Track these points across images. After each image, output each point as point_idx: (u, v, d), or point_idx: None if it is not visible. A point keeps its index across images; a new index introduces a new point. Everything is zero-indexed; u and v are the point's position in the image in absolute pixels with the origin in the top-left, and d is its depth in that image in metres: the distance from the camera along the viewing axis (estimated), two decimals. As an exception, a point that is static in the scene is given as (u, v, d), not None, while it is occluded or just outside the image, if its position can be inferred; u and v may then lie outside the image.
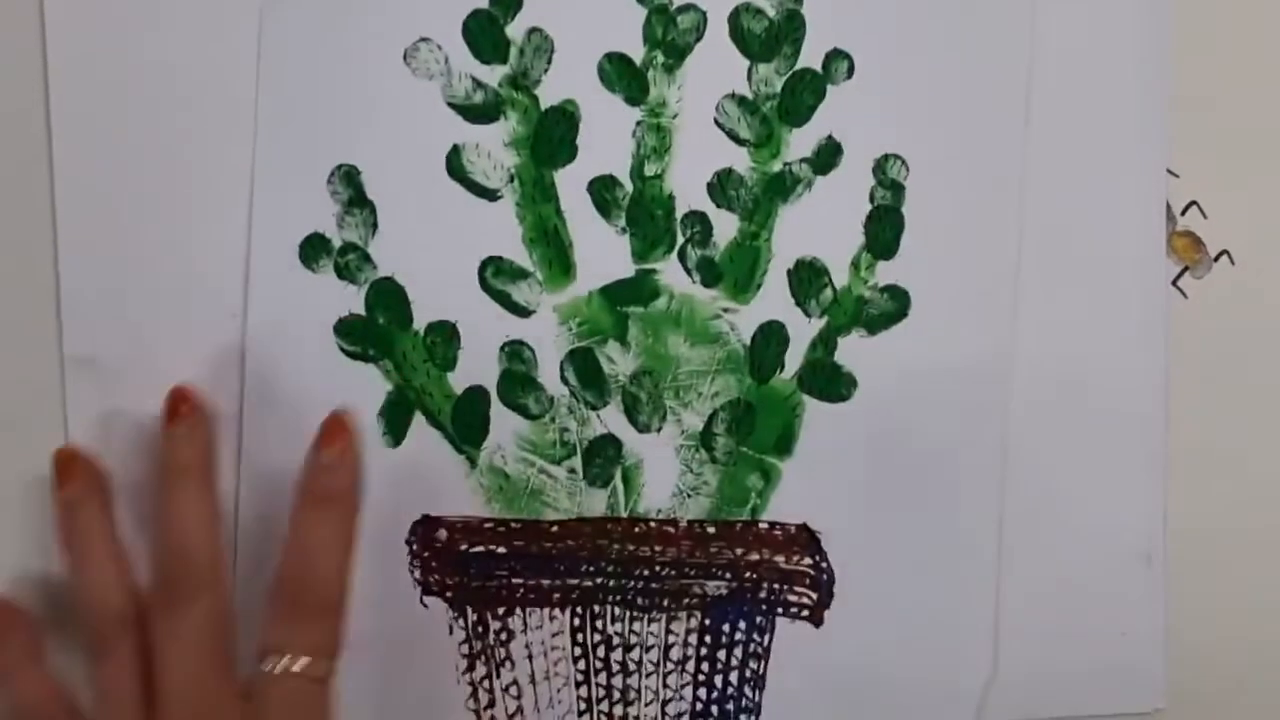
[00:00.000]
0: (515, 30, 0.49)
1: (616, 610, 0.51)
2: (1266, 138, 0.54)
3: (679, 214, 0.50)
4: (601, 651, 0.51)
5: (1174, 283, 0.54)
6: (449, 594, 0.50)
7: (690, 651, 0.51)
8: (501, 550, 0.50)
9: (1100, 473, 0.52)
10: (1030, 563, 0.52)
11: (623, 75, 0.50)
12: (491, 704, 0.50)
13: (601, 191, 0.50)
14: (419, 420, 0.49)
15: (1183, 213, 0.54)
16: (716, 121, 0.50)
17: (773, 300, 0.51)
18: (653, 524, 0.51)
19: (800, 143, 0.51)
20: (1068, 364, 0.52)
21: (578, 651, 0.50)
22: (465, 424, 0.50)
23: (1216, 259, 0.54)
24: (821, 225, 0.51)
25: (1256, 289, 0.54)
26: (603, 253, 0.50)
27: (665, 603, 0.51)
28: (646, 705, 0.51)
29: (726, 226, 0.50)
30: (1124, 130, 0.52)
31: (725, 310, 0.51)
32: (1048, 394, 0.52)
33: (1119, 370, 0.52)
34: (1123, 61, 0.52)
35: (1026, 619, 0.52)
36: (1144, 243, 0.53)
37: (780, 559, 0.51)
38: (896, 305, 0.51)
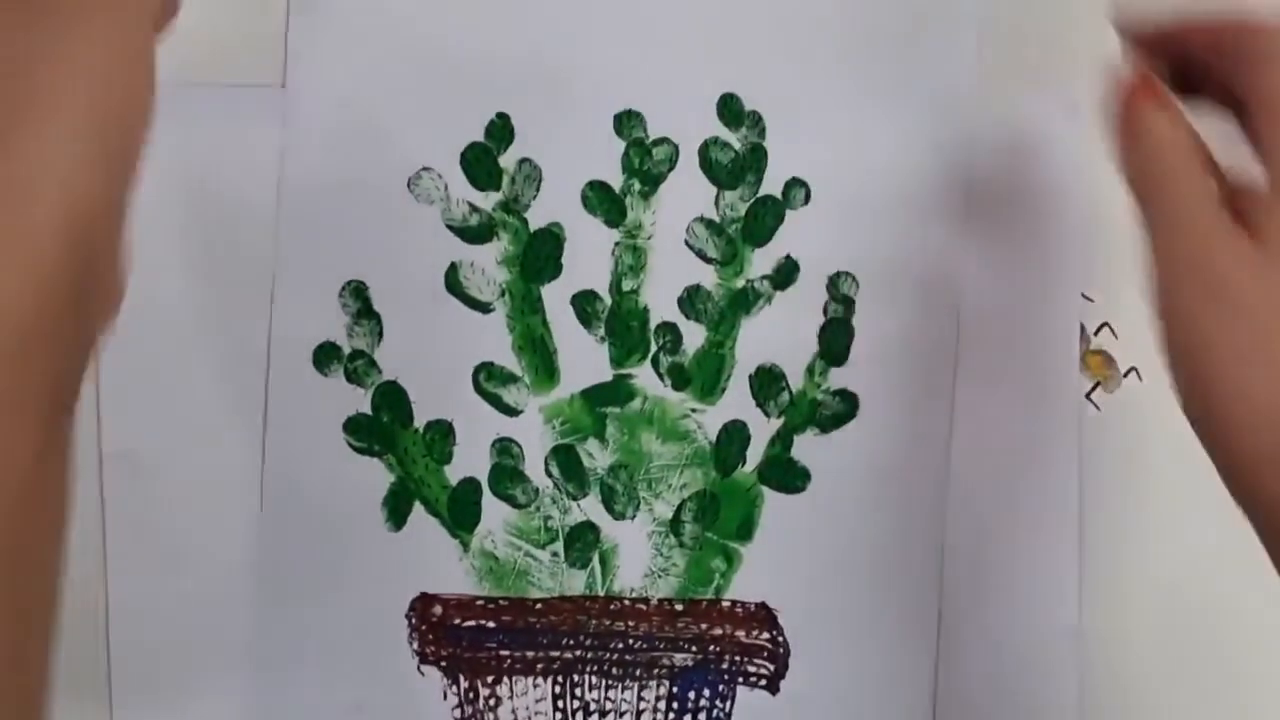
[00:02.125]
0: (507, 160, 0.55)
1: (594, 679, 0.56)
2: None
3: (653, 325, 0.56)
4: (580, 716, 0.56)
5: (1087, 396, 0.59)
6: (444, 663, 0.55)
7: (660, 717, 0.56)
8: (491, 624, 0.55)
9: (1026, 557, 0.57)
10: (967, 639, 0.57)
11: (603, 201, 0.55)
12: (480, 763, 0.56)
13: (584, 305, 0.55)
14: (418, 508, 0.55)
15: (1096, 333, 0.59)
16: (687, 242, 0.56)
17: (736, 402, 0.56)
18: (627, 602, 0.56)
19: (761, 261, 0.56)
20: (996, 465, 0.57)
21: (559, 716, 0.56)
22: (459, 512, 0.55)
23: (1126, 375, 0.59)
24: (780, 335, 0.56)
25: (1160, 402, 0.59)
26: (584, 359, 0.55)
27: (638, 672, 0.56)
28: (620, 764, 0.56)
29: (695, 336, 0.56)
30: (1045, 259, 0.57)
31: (693, 411, 0.56)
32: (980, 489, 0.57)
33: (1040, 472, 0.58)
34: (1048, 198, 0.57)
35: (963, 689, 0.57)
36: (1061, 359, 0.58)
37: (741, 634, 0.56)
38: (846, 407, 0.57)
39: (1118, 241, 0.58)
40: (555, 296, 0.55)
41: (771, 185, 0.56)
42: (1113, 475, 0.58)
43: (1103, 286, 0.58)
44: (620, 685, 0.56)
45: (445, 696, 0.55)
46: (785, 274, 0.56)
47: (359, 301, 0.54)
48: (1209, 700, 0.59)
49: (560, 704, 0.56)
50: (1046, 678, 0.58)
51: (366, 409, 0.54)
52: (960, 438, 0.57)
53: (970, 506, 0.57)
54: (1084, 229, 0.58)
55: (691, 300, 0.56)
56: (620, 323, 0.55)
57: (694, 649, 0.56)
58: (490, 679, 0.55)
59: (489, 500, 0.55)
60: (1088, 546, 0.58)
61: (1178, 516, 0.59)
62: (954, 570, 0.57)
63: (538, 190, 0.55)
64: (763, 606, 0.56)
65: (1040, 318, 0.57)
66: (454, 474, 0.55)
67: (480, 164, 0.55)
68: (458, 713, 0.55)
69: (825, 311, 0.56)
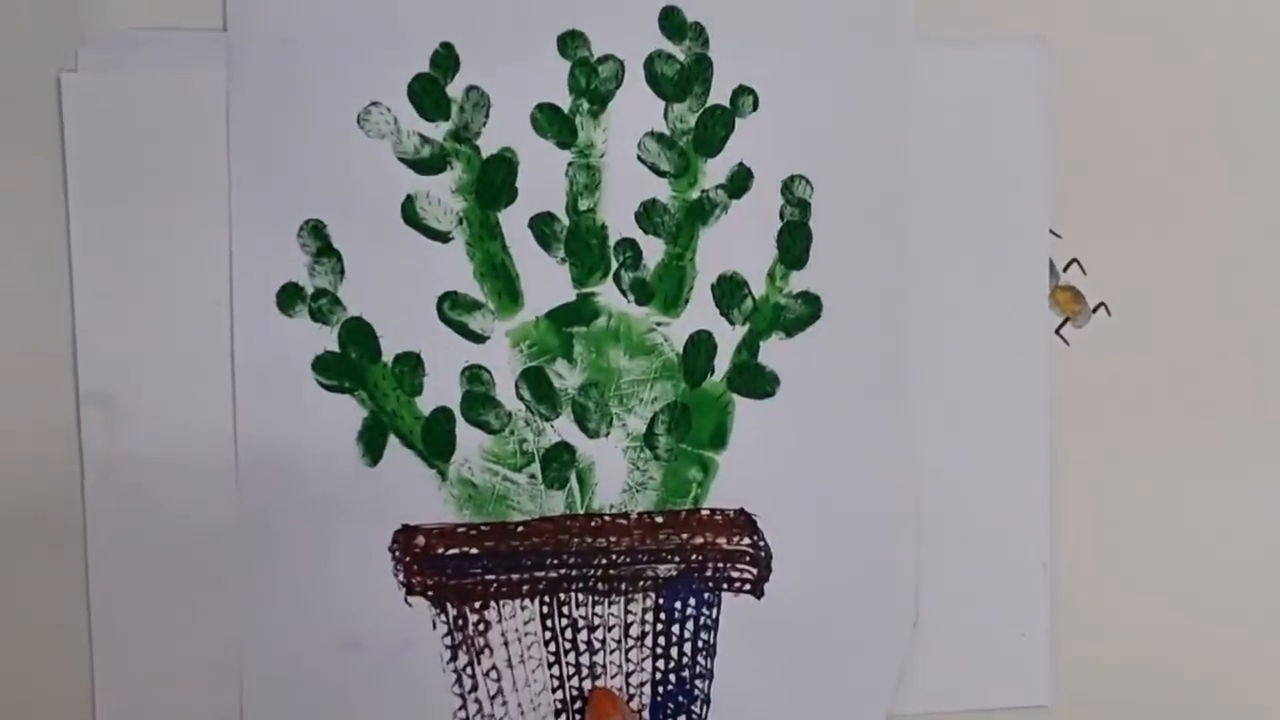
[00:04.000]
0: (455, 89, 0.55)
1: (580, 596, 0.57)
2: (1140, 201, 0.60)
3: (611, 242, 0.56)
4: (569, 634, 0.57)
5: (1057, 331, 0.59)
6: (430, 593, 0.56)
7: (648, 628, 0.57)
8: (474, 551, 0.56)
9: (998, 491, 0.59)
10: (940, 569, 0.58)
11: (553, 123, 0.56)
12: (475, 688, 0.56)
13: (541, 227, 0.56)
14: (393, 441, 0.55)
15: (1065, 269, 0.59)
16: (639, 158, 0.56)
17: (700, 312, 0.57)
18: (607, 518, 0.57)
19: (715, 171, 0.57)
20: (962, 401, 0.58)
21: (548, 635, 0.57)
22: (434, 442, 0.55)
23: (1095, 310, 0.59)
24: (739, 243, 0.57)
25: (1129, 337, 0.60)
26: (546, 281, 0.56)
27: (623, 586, 0.57)
28: (612, 678, 0.57)
29: (654, 250, 0.56)
30: (1010, 194, 0.58)
31: (658, 324, 0.57)
32: (948, 417, 0.58)
33: (1009, 408, 0.58)
34: (1007, 131, 0.58)
35: (935, 620, 0.58)
36: (1030, 296, 0.59)
37: (722, 541, 0.57)
38: (810, 309, 0.57)
39: (1086, 177, 0.58)
40: (513, 221, 0.56)
41: (719, 95, 0.57)
42: (1082, 410, 0.59)
43: (1071, 222, 0.59)
44: (607, 600, 0.57)
45: (434, 625, 0.56)
46: (739, 182, 0.57)
47: (318, 240, 0.55)
48: (1179, 630, 0.61)
49: (549, 623, 0.56)
50: (1019, 608, 0.59)
51: (334, 346, 0.55)
52: (927, 373, 0.58)
53: (940, 432, 0.58)
54: (1049, 162, 0.58)
55: (648, 214, 0.56)
56: (579, 242, 0.56)
57: (677, 559, 0.57)
58: (478, 604, 0.56)
59: (463, 428, 0.56)
60: (1058, 483, 0.59)
61: (1147, 449, 0.60)
62: (929, 490, 0.58)
63: (487, 117, 0.55)
64: (741, 512, 0.57)
65: (1006, 254, 0.58)
66: (426, 404, 0.55)
67: (428, 94, 0.55)
68: (448, 640, 0.56)
69: (782, 216, 0.57)
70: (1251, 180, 0.60)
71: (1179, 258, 0.60)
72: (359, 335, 0.55)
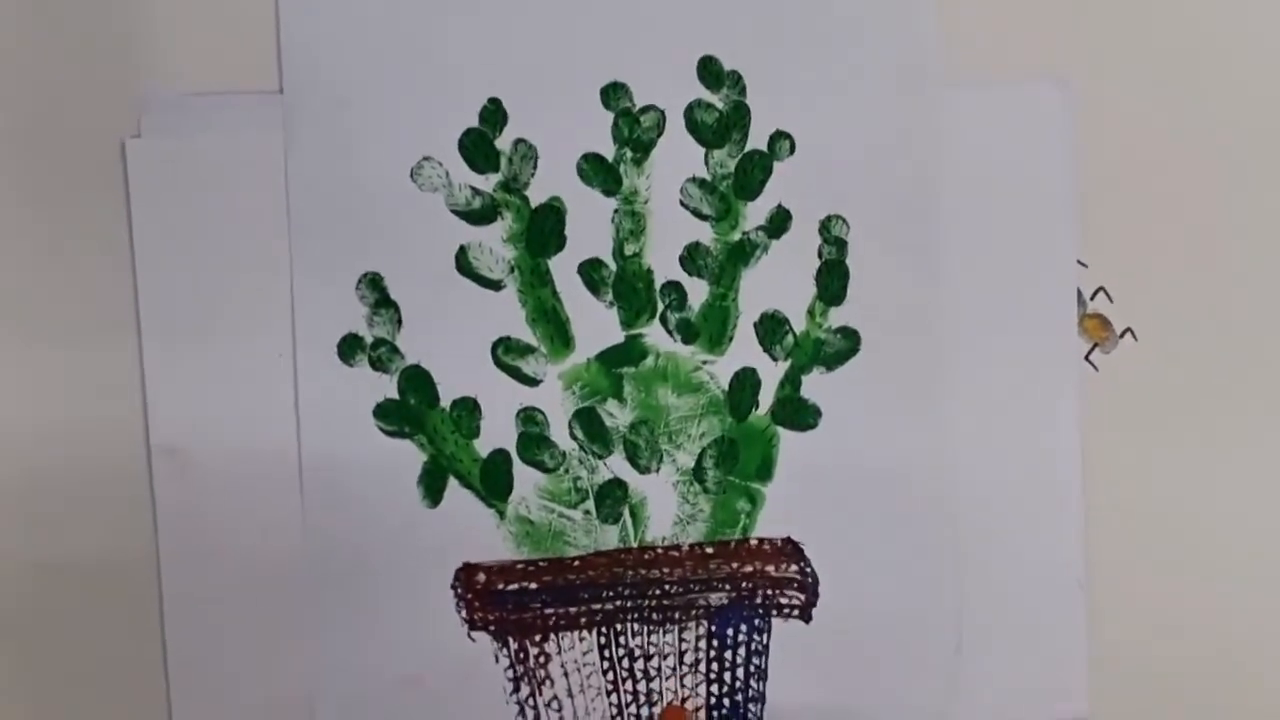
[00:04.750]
0: (503, 143, 0.57)
1: (635, 626, 0.59)
2: (1163, 230, 0.62)
3: (657, 285, 0.58)
4: (626, 663, 0.59)
5: (1086, 357, 0.61)
6: (492, 628, 0.58)
7: (701, 655, 0.59)
8: (533, 586, 0.58)
9: (1032, 515, 0.61)
10: (980, 589, 0.60)
11: (598, 172, 0.58)
12: (538, 717, 0.58)
13: (590, 273, 0.58)
14: (452, 483, 0.57)
15: (1092, 297, 0.61)
16: (682, 203, 0.58)
17: (743, 350, 0.59)
18: (660, 550, 0.59)
19: (755, 213, 0.59)
20: (997, 427, 0.60)
21: (606, 665, 0.59)
22: (492, 482, 0.58)
23: (1122, 336, 0.62)
24: (779, 282, 0.59)
25: (1156, 361, 0.62)
26: (595, 325, 0.58)
27: (676, 615, 0.59)
28: (668, 704, 0.59)
29: (699, 291, 0.59)
30: (1038, 226, 0.60)
31: (704, 363, 0.59)
32: (983, 444, 0.60)
33: (1042, 432, 0.61)
34: (1032, 167, 0.60)
35: (978, 640, 0.60)
36: (1059, 324, 0.61)
37: (771, 569, 0.59)
38: (849, 344, 0.59)
39: (1110, 208, 0.61)
40: (562, 267, 0.58)
41: (757, 140, 0.59)
42: (1113, 433, 0.61)
43: (1097, 251, 0.61)
44: (662, 629, 0.59)
45: (497, 659, 0.58)
46: (778, 223, 0.59)
47: (376, 292, 0.56)
48: (1212, 643, 0.63)
49: (606, 653, 0.58)
50: (1056, 628, 0.61)
51: (394, 394, 0.57)
52: (962, 401, 0.60)
53: (976, 460, 0.60)
54: (1074, 194, 0.60)
55: (692, 257, 0.58)
56: (626, 286, 0.58)
57: (728, 587, 0.59)
58: (538, 637, 0.58)
59: (519, 468, 0.58)
60: (1091, 503, 0.61)
61: (1176, 471, 0.62)
62: (968, 516, 0.60)
63: (535, 168, 0.57)
64: (789, 541, 0.59)
65: (1035, 285, 0.60)
66: (483, 447, 0.57)
67: (478, 148, 0.57)
68: (510, 673, 0.58)
69: (820, 254, 0.59)
70: (1270, 209, 0.62)
71: (1202, 283, 0.62)
72: (417, 382, 0.57)
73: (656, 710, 0.59)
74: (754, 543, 0.59)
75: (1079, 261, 0.61)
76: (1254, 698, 0.63)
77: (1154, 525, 0.62)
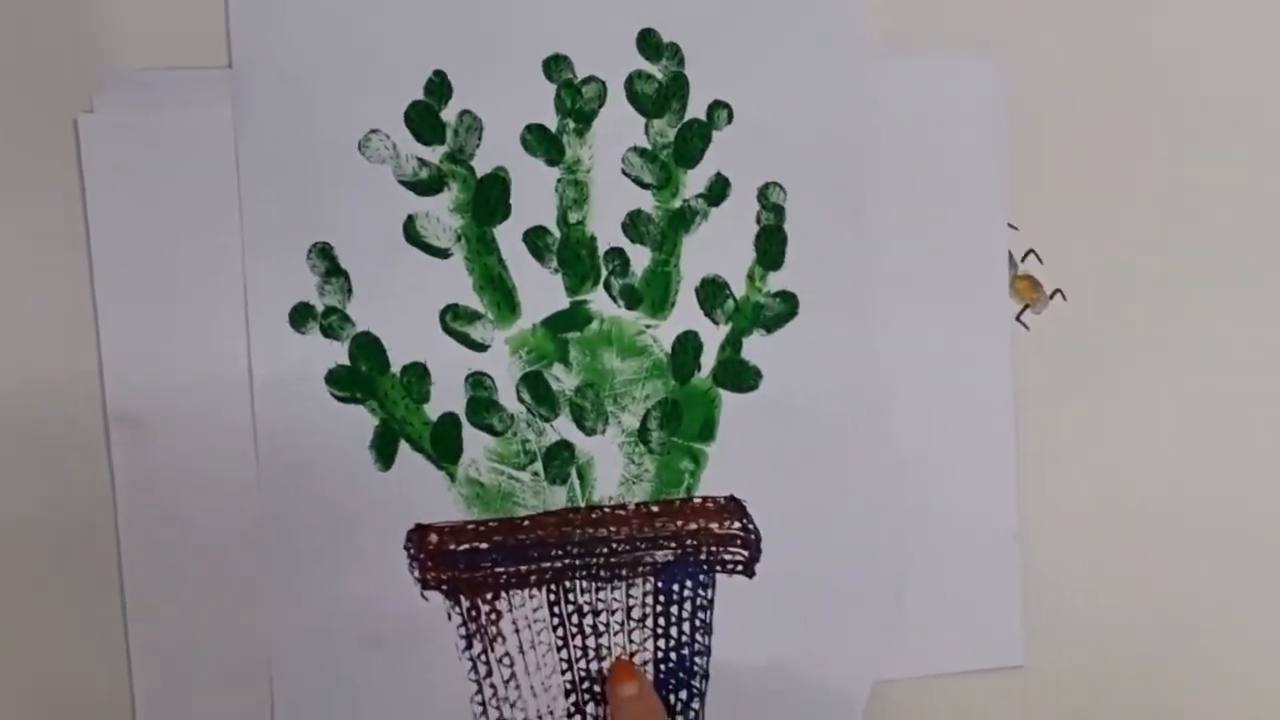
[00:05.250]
0: (449, 114, 0.59)
1: (584, 584, 0.61)
2: (1089, 193, 0.64)
3: (601, 252, 0.60)
4: (575, 619, 0.61)
5: (1018, 318, 0.63)
6: (444, 587, 0.59)
7: (648, 610, 0.61)
8: (484, 545, 0.60)
9: (968, 471, 0.63)
10: (918, 543, 0.63)
11: (542, 142, 0.59)
12: (490, 673, 0.60)
13: (535, 240, 0.59)
14: (404, 447, 0.59)
15: (1023, 259, 0.63)
16: (624, 171, 0.60)
17: (685, 314, 0.61)
18: (606, 509, 0.61)
19: (695, 181, 0.60)
20: (932, 386, 0.62)
21: (555, 621, 0.60)
22: (443, 446, 0.59)
23: (1052, 297, 0.64)
24: (719, 248, 0.61)
25: (1085, 320, 0.64)
26: (541, 291, 0.60)
27: (623, 572, 0.61)
28: (618, 658, 0.61)
29: (641, 258, 0.60)
30: (970, 192, 0.62)
31: (647, 327, 0.60)
32: (920, 403, 0.62)
33: (976, 391, 0.63)
34: (964, 133, 0.62)
35: (916, 591, 0.62)
36: (991, 285, 0.63)
37: (715, 526, 0.61)
38: (788, 307, 0.61)
39: (1040, 172, 0.62)
40: (508, 235, 0.59)
41: (696, 109, 0.60)
42: (1044, 389, 0.64)
43: (1027, 215, 0.63)
44: (609, 586, 0.60)
45: (450, 617, 0.59)
46: (717, 190, 0.60)
47: (326, 261, 0.58)
48: (1142, 593, 0.65)
49: (556, 610, 0.60)
50: (992, 580, 0.63)
51: (345, 360, 0.58)
52: (898, 362, 0.62)
53: (913, 418, 0.62)
54: (1004, 160, 0.62)
55: (634, 224, 0.60)
56: (571, 253, 0.59)
57: (673, 545, 0.61)
58: (489, 595, 0.60)
59: (468, 431, 0.59)
60: (1024, 458, 0.63)
61: (1106, 426, 0.64)
62: (905, 472, 0.62)
63: (480, 139, 0.59)
64: (732, 499, 0.61)
65: (967, 247, 0.62)
66: (433, 411, 0.59)
67: (424, 120, 0.58)
68: (463, 630, 0.59)
69: (758, 221, 0.61)
70: (1192, 171, 0.64)
71: (1128, 244, 0.64)
72: (368, 349, 0.58)
73: (605, 664, 0.61)
74: (698, 501, 0.61)
75: (1009, 225, 0.63)
76: (1186, 647, 0.65)
77: (1085, 480, 0.64)
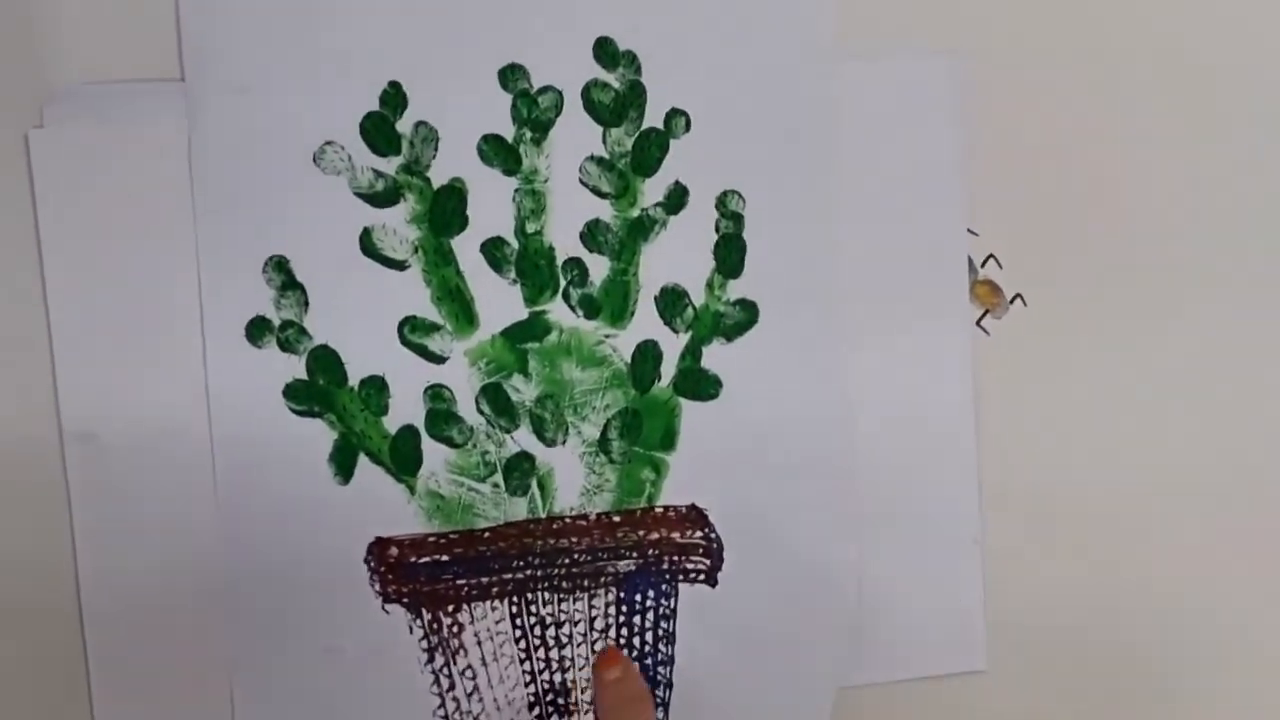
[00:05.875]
0: (404, 126, 0.58)
1: (546, 595, 0.60)
2: (1048, 199, 0.64)
3: (559, 262, 0.60)
4: (538, 630, 0.60)
5: (978, 323, 0.64)
6: (405, 600, 0.59)
7: (611, 620, 0.61)
8: (445, 558, 0.59)
9: (931, 475, 0.63)
10: (880, 550, 0.63)
11: (499, 152, 0.59)
12: (452, 686, 0.60)
13: (492, 251, 0.59)
14: (363, 460, 0.59)
15: (983, 264, 0.63)
16: (581, 181, 0.60)
17: (645, 323, 0.60)
18: (568, 520, 0.60)
19: (653, 190, 0.60)
20: (893, 393, 0.62)
21: (518, 633, 0.60)
22: (402, 458, 0.59)
23: (1012, 301, 0.64)
24: (678, 256, 0.60)
25: (1044, 325, 0.64)
26: (500, 302, 0.59)
27: (586, 583, 0.61)
28: (580, 670, 0.61)
29: (600, 267, 0.60)
30: (929, 197, 0.62)
31: (607, 337, 0.60)
32: (881, 410, 0.62)
33: (938, 397, 0.63)
34: (925, 139, 0.62)
35: (879, 598, 0.63)
36: (951, 290, 0.63)
37: (676, 535, 0.61)
38: (747, 315, 0.61)
39: (999, 179, 0.63)
40: (465, 247, 0.59)
41: (653, 118, 0.60)
42: (1005, 394, 0.64)
43: (987, 220, 0.63)
44: (571, 597, 0.60)
45: (411, 630, 0.59)
46: (676, 199, 0.60)
47: (282, 274, 0.58)
48: (1107, 605, 0.66)
49: (518, 621, 0.60)
50: (954, 584, 0.63)
51: (303, 374, 0.58)
52: (859, 369, 0.62)
53: (874, 425, 0.62)
54: (965, 167, 0.62)
55: (593, 234, 0.60)
56: (529, 263, 0.59)
57: (635, 555, 0.60)
58: (451, 608, 0.59)
59: (428, 444, 0.59)
60: (985, 462, 0.63)
61: (1067, 430, 0.65)
62: (867, 479, 0.62)
63: (436, 150, 0.58)
64: (693, 508, 0.61)
65: (927, 253, 0.62)
66: (392, 424, 0.59)
67: (379, 132, 0.58)
68: (425, 643, 0.59)
69: (717, 229, 0.61)
70: (1153, 176, 0.65)
71: (1088, 249, 0.64)
72: (326, 362, 0.58)
73: (569, 676, 0.60)
74: (659, 511, 0.61)
75: (969, 230, 0.62)
76: (1148, 651, 0.66)
77: (1045, 483, 0.64)
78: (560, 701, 0.60)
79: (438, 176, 0.59)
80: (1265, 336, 0.66)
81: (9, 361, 0.56)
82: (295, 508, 0.58)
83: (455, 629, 0.59)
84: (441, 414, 0.59)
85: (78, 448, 0.57)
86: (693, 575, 0.61)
